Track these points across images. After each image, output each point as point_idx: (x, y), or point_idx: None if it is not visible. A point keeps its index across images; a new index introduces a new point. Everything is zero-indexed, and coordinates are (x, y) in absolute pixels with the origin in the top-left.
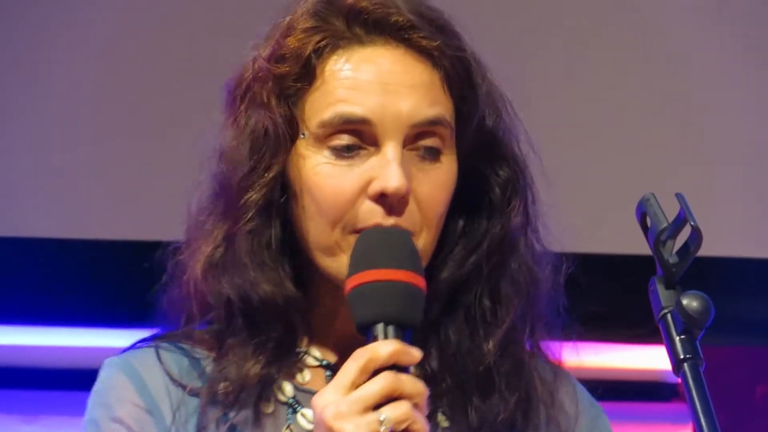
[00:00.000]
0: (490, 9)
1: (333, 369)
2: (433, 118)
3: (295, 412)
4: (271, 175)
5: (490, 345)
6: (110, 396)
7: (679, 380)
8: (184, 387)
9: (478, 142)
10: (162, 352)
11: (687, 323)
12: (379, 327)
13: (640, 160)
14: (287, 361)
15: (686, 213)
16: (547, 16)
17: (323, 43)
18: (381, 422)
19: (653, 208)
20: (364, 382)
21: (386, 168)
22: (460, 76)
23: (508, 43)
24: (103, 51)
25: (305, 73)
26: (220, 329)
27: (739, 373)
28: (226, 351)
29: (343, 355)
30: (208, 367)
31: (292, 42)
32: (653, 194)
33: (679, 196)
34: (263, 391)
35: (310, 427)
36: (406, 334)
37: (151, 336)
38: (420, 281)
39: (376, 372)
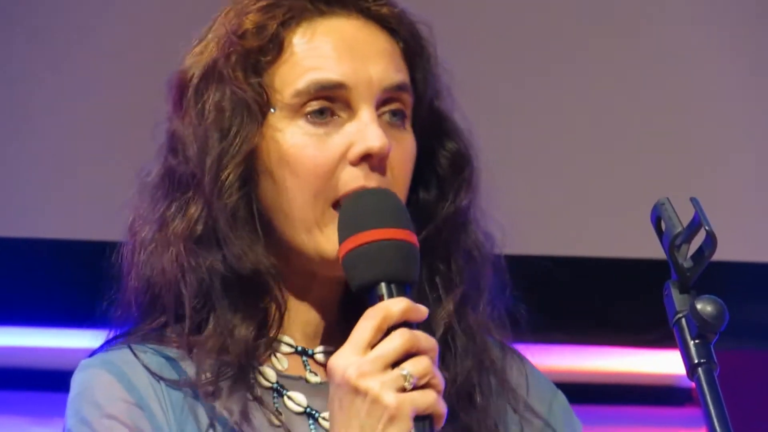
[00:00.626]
0: (490, 7)
1: (309, 355)
2: (400, 83)
3: (281, 396)
4: (246, 148)
5: (450, 307)
6: (98, 395)
7: (693, 384)
8: (166, 381)
9: (428, 118)
10: (137, 350)
11: (701, 327)
12: (383, 286)
13: (654, 164)
14: (267, 345)
15: (701, 217)
16: (547, 13)
17: (288, 15)
18: (405, 377)
19: (668, 213)
20: (380, 341)
21: (366, 130)
22: (417, 47)
23: (506, 42)
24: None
25: (272, 47)
26: (181, 330)
27: (753, 378)
28: (203, 341)
29: (313, 340)
30: (183, 362)
31: (254, 18)
32: (668, 198)
33: (694, 201)
34: (246, 377)
35: (298, 409)
36: (407, 290)
37: (116, 336)
38: (414, 238)
39: (389, 330)
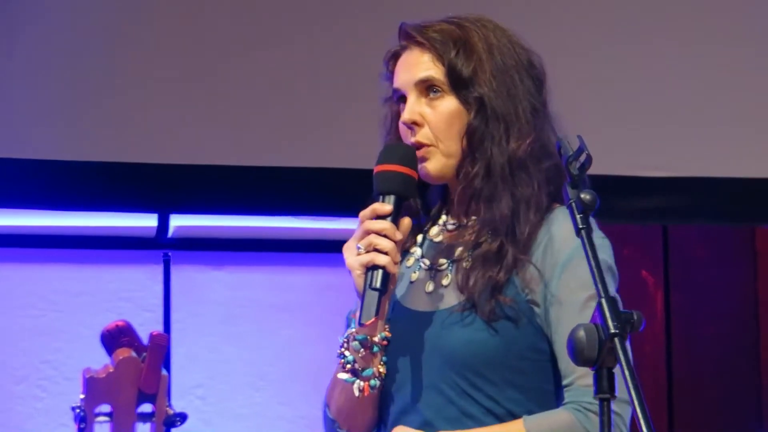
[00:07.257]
0: None
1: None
2: (424, 78)
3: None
4: (389, 114)
5: (503, 204)
6: None
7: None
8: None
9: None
10: None
11: (583, 208)
12: (381, 196)
13: None
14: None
15: (583, 146)
16: None
17: (392, 54)
18: (358, 249)
19: (565, 144)
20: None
21: (405, 110)
22: (443, 51)
23: None
24: None
25: (390, 68)
26: None
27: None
28: None
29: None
30: None
31: (387, 55)
32: (564, 136)
33: (579, 137)
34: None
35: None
36: (401, 201)
37: None
38: (412, 172)
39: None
